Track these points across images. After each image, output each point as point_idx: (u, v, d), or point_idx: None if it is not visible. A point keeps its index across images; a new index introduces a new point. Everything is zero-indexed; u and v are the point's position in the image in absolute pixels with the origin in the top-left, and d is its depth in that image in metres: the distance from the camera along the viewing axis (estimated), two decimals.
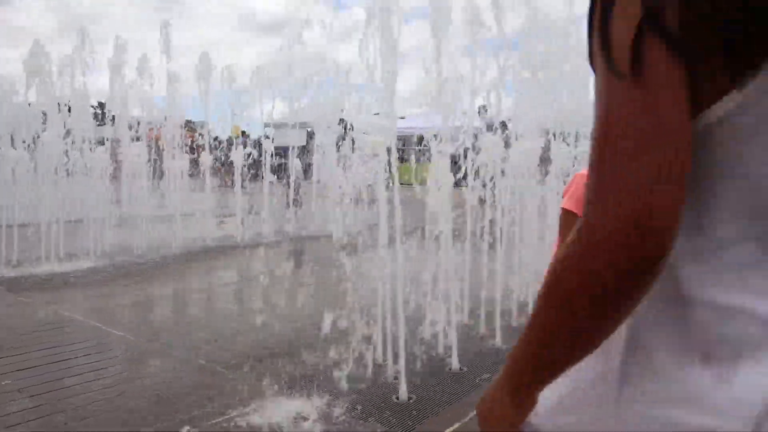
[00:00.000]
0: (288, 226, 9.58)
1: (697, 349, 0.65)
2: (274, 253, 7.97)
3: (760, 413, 0.61)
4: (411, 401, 3.13)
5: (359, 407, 3.04)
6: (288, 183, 10.26)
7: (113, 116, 8.99)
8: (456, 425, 2.84)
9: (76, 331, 4.35)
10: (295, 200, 10.14)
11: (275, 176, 10.08)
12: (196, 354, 3.86)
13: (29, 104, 7.64)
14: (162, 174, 9.17)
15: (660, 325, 0.68)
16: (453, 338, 3.68)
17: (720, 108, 0.60)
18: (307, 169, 10.39)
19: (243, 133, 10.30)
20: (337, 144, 8.25)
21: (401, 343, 3.30)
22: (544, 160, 4.86)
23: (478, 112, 5.41)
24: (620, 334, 0.71)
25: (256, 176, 9.83)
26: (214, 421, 2.86)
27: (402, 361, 3.23)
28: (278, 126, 10.90)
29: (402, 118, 9.09)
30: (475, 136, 4.18)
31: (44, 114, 7.59)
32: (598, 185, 0.62)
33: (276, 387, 3.22)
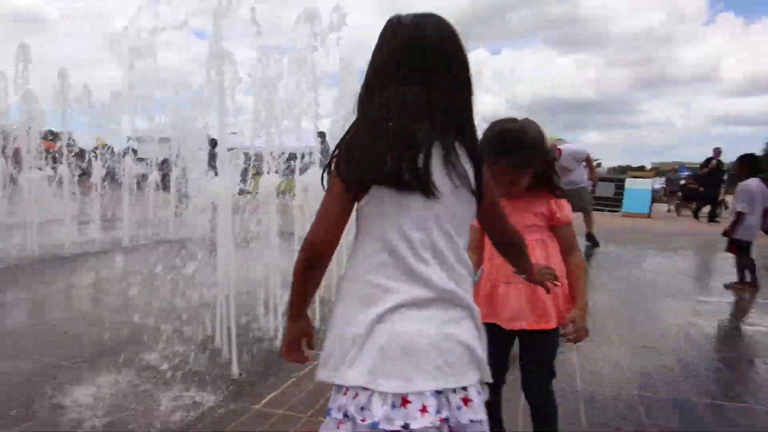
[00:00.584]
0: (144, 232, 9.28)
1: (358, 302, 1.31)
2: (129, 257, 7.65)
3: (371, 324, 1.27)
4: (242, 377, 3.34)
5: (197, 382, 3.21)
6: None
7: None
8: (276, 392, 3.10)
9: None
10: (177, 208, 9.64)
11: (137, 186, 9.64)
12: (47, 352, 3.74)
13: None
14: (18, 182, 8.36)
15: (350, 291, 1.35)
16: (280, 323, 3.93)
17: (364, 200, 1.31)
18: (165, 179, 10.06)
19: (104, 145, 9.72)
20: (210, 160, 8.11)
21: (234, 329, 3.49)
22: None
23: (319, 139, 5.64)
24: (345, 295, 1.36)
25: (116, 185, 9.37)
26: (60, 411, 2.86)
27: (234, 345, 3.43)
28: (140, 140, 10.52)
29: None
30: (302, 156, 4.46)
31: None
32: (311, 226, 1.34)
33: (124, 374, 3.27)
